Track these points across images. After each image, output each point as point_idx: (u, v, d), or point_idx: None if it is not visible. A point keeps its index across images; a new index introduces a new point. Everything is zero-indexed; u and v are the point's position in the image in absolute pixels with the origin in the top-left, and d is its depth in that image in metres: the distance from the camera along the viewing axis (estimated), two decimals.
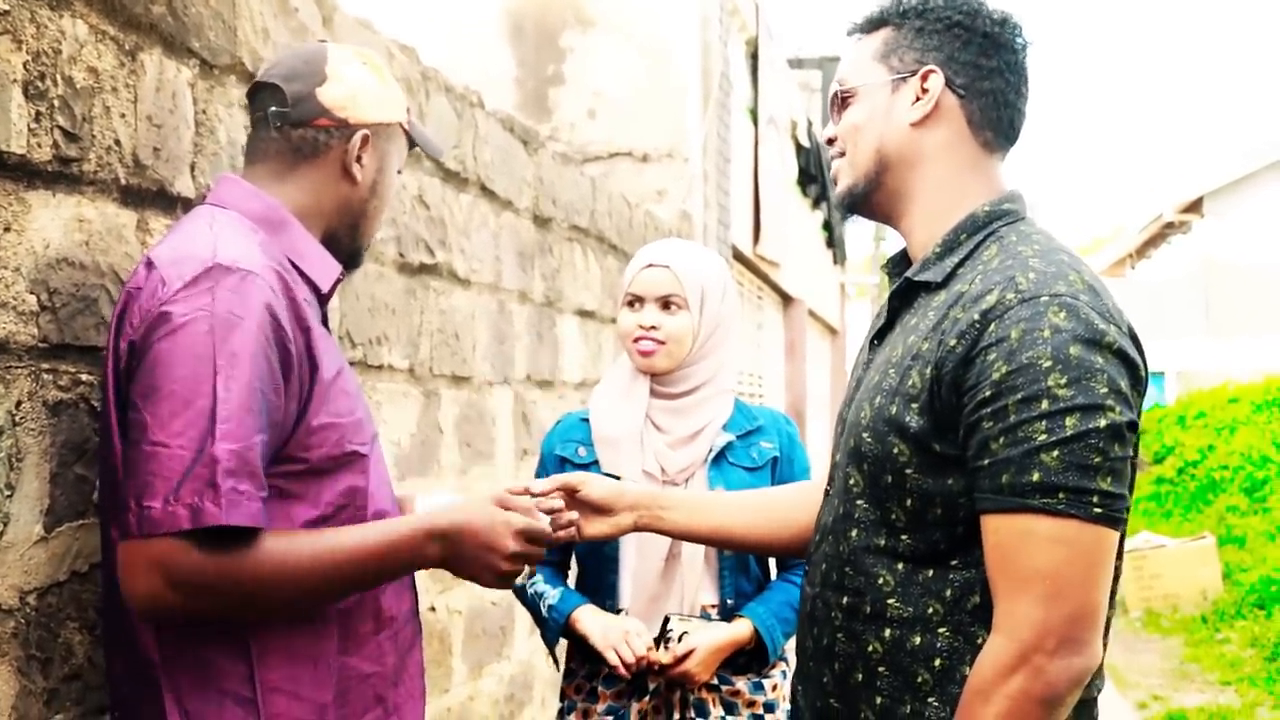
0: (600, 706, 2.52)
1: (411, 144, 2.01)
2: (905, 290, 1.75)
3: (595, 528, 2.12)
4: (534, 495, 2.04)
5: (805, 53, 14.30)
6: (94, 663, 1.85)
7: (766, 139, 9.38)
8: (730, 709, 2.52)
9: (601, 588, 2.56)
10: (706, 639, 2.44)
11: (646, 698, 2.49)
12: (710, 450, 2.56)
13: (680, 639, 2.42)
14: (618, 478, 2.47)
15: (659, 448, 2.55)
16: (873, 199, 1.80)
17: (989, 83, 1.73)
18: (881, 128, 1.76)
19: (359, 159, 1.88)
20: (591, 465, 2.55)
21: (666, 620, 2.46)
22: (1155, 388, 22.23)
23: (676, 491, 2.15)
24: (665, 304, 2.56)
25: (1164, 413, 16.93)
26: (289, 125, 1.86)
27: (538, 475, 2.63)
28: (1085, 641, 1.50)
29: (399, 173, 2.01)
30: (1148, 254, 27.46)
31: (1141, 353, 1.60)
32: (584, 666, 2.57)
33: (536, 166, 4.40)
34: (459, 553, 1.78)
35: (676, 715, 2.49)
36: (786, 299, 12.07)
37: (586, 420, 2.63)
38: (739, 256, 8.78)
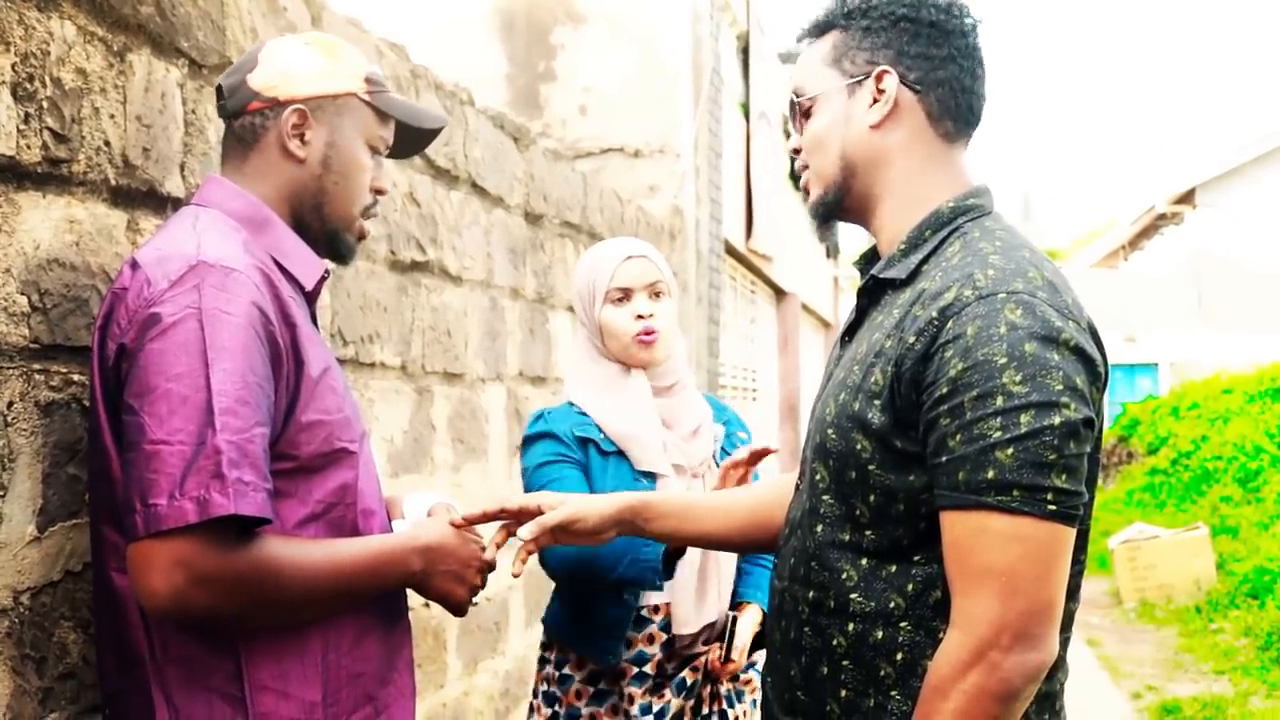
0: (634, 708, 2.47)
1: (399, 127, 1.97)
2: (873, 287, 1.76)
3: (574, 540, 2.05)
4: (523, 540, 1.96)
5: (797, 47, 14.28)
6: (88, 661, 1.85)
7: (758, 133, 9.38)
8: (739, 696, 2.57)
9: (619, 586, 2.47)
10: (748, 630, 2.49)
11: (684, 695, 2.49)
12: (715, 442, 2.58)
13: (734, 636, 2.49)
14: (651, 475, 2.47)
15: (676, 443, 2.53)
16: (844, 204, 1.80)
17: (942, 72, 1.72)
18: (843, 133, 1.76)
19: (300, 136, 1.85)
20: (611, 455, 2.48)
21: (730, 621, 2.49)
22: (1148, 379, 22.27)
23: (665, 500, 2.11)
24: (654, 292, 2.54)
25: (1157, 404, 16.95)
26: (230, 118, 1.87)
27: (550, 449, 2.48)
28: (1041, 637, 1.50)
29: (383, 150, 1.95)
30: (1140, 245, 27.49)
31: (1101, 349, 1.60)
32: (580, 669, 2.51)
33: (527, 163, 4.40)
34: (438, 568, 1.86)
35: (705, 709, 2.52)
36: (780, 293, 12.08)
37: (583, 414, 2.54)
38: (731, 251, 8.79)
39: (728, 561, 2.53)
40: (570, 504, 2.00)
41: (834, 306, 17.04)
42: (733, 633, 2.47)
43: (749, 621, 2.51)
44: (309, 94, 1.85)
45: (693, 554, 2.47)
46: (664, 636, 2.49)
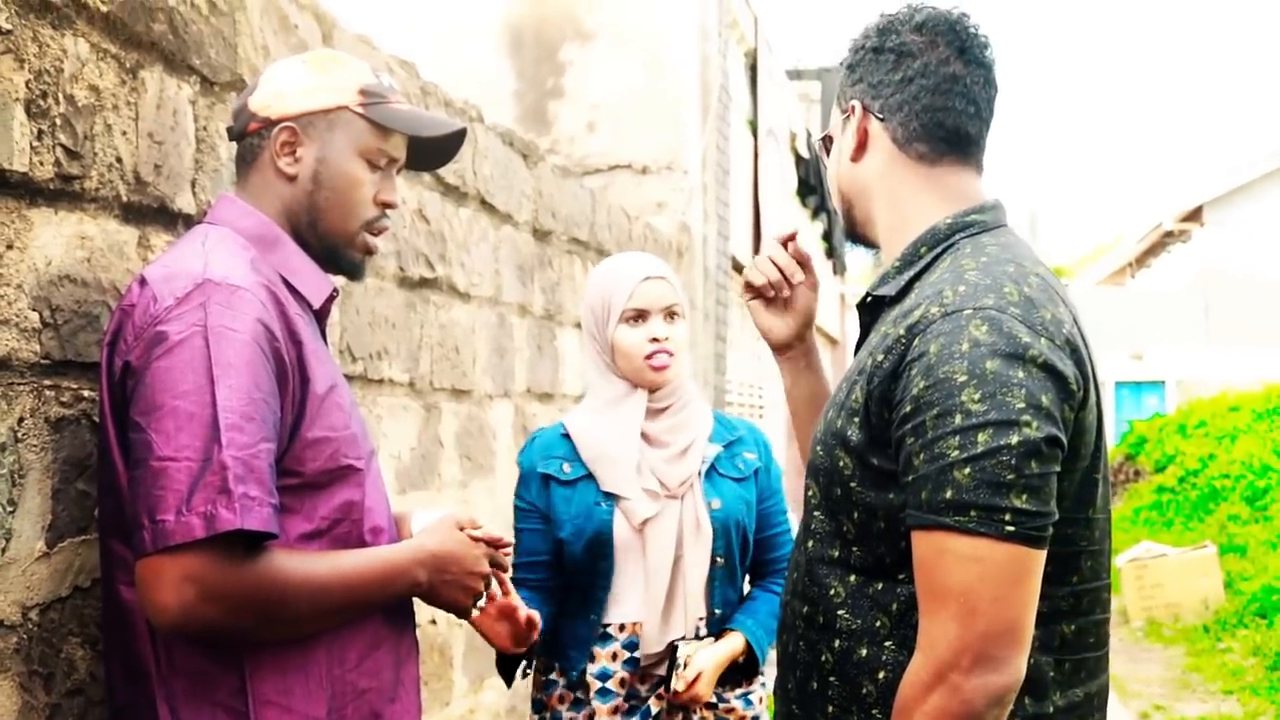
0: None
1: (417, 138, 1.95)
2: (871, 304, 1.77)
3: (775, 317, 2.13)
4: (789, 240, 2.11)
5: (804, 64, 14.29)
6: (96, 677, 1.85)
7: (766, 150, 9.39)
8: None
9: (589, 602, 2.52)
10: (710, 659, 2.45)
11: None
12: (704, 462, 2.55)
13: (686, 663, 2.44)
14: (613, 496, 2.49)
15: (656, 464, 2.52)
16: (856, 231, 1.86)
17: (899, 96, 1.74)
18: (836, 167, 1.85)
19: (293, 154, 1.85)
20: (578, 481, 2.52)
21: (674, 648, 2.47)
22: (1155, 396, 22.22)
23: (819, 369, 2.15)
24: (669, 314, 2.53)
25: (1164, 421, 16.93)
26: (235, 140, 1.90)
27: (521, 492, 2.59)
28: (1003, 660, 1.47)
29: (386, 163, 1.92)
30: (1147, 263, 27.46)
31: (1081, 366, 1.57)
32: (564, 676, 2.54)
33: (536, 180, 4.41)
34: (443, 577, 1.86)
35: None
36: None
37: (566, 436, 2.58)
38: (739, 268, 8.78)
39: (695, 582, 2.51)
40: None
41: (841, 323, 17.03)
42: (673, 661, 2.45)
43: (716, 651, 2.48)
44: (298, 111, 1.85)
45: (661, 573, 2.48)
46: (627, 655, 2.50)
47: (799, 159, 11.66)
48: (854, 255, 17.26)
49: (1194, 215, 23.19)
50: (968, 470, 1.47)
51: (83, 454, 1.83)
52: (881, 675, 1.60)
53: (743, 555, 2.58)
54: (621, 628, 2.51)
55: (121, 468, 1.65)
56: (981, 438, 1.47)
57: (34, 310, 1.74)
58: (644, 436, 2.54)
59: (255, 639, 1.67)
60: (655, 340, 2.49)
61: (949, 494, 1.48)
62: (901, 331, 1.58)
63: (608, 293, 2.53)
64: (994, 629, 1.47)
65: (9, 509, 1.69)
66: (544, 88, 7.16)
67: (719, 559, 2.52)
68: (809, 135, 12.09)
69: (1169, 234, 24.62)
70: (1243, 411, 15.45)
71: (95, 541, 1.83)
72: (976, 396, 1.48)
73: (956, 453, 1.48)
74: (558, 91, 7.15)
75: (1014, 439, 1.47)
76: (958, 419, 1.48)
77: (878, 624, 1.62)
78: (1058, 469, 1.52)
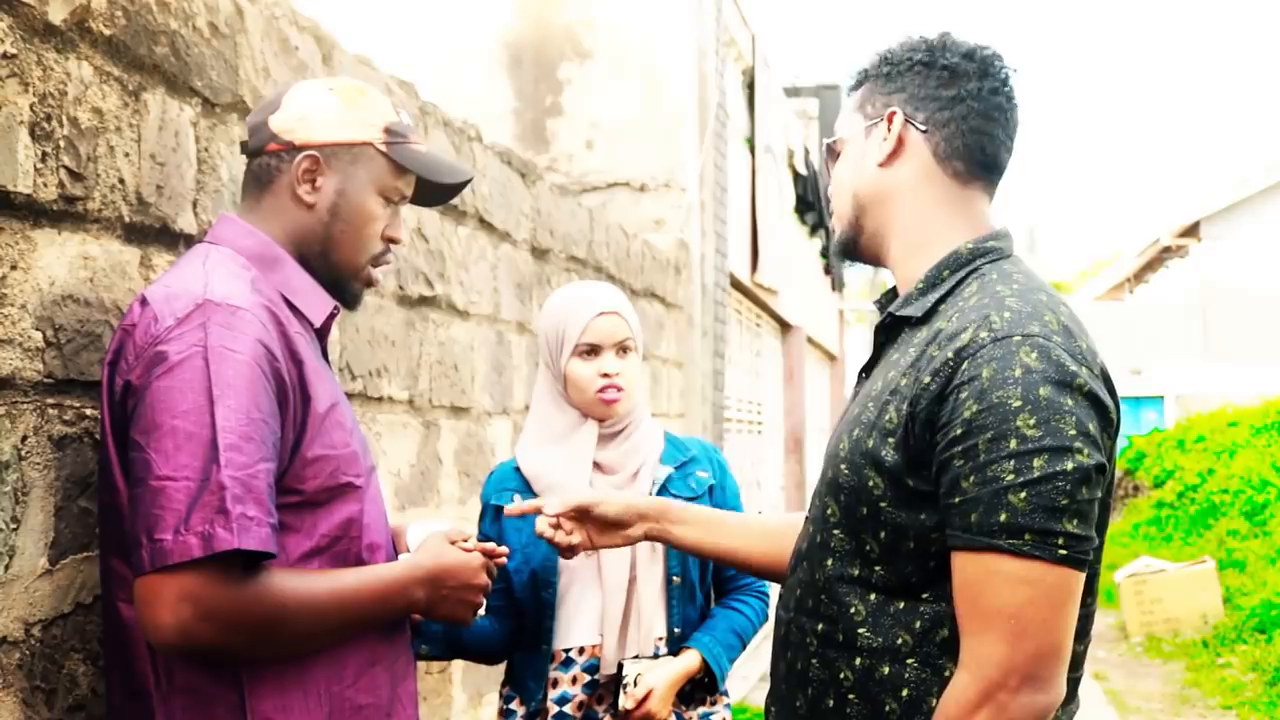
0: None
1: (411, 174, 1.97)
2: (890, 324, 1.79)
3: (608, 539, 2.16)
4: (546, 515, 2.10)
5: (802, 81, 14.36)
6: (98, 693, 1.87)
7: (763, 167, 9.43)
8: None
9: (539, 633, 2.53)
10: (662, 677, 2.46)
11: None
12: (653, 484, 2.56)
13: (636, 682, 2.45)
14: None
15: (606, 490, 2.51)
16: (859, 243, 1.86)
17: (949, 112, 1.76)
18: (856, 173, 1.83)
19: (311, 182, 1.87)
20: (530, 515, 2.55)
21: (620, 667, 2.48)
22: (1154, 411, 22.23)
23: (689, 507, 2.19)
24: (622, 349, 2.56)
25: (1163, 437, 16.92)
26: (249, 156, 1.91)
27: (481, 524, 2.63)
28: (1048, 679, 1.52)
29: (398, 200, 1.95)
30: (1145, 279, 27.50)
31: (1114, 395, 1.62)
32: (524, 706, 2.54)
33: (534, 198, 4.44)
34: (442, 594, 1.89)
35: None
36: (785, 326, 12.10)
37: (518, 469, 2.60)
38: (737, 285, 8.82)
39: (650, 602, 2.52)
40: (595, 492, 2.23)
41: (840, 340, 17.05)
42: (621, 679, 2.46)
43: (668, 669, 2.48)
44: (323, 141, 1.87)
45: (617, 594, 2.50)
46: (587, 678, 2.51)
47: (796, 175, 11.70)
48: (852, 270, 17.27)
49: (1191, 230, 23.22)
50: (1024, 494, 1.50)
51: (85, 472, 1.85)
52: (905, 693, 1.62)
53: (701, 573, 2.59)
54: (581, 650, 2.52)
55: (122, 486, 1.67)
56: (1037, 463, 1.50)
57: (37, 330, 1.76)
58: (595, 464, 2.56)
59: (253, 657, 1.68)
60: (606, 375, 2.52)
61: (1003, 517, 1.51)
62: (949, 355, 1.59)
63: (562, 324, 2.57)
64: (1042, 650, 1.51)
65: (12, 526, 1.71)
66: (542, 106, 7.20)
67: (675, 578, 2.53)
68: (806, 152, 12.13)
69: (1167, 249, 24.66)
70: (1241, 426, 15.45)
71: (97, 558, 1.85)
72: (1032, 422, 1.51)
73: (1012, 476, 1.50)
74: (556, 110, 7.18)
75: (1069, 465, 1.50)
76: (1013, 443, 1.51)
77: (899, 641, 1.63)
78: (1100, 494, 1.56)
